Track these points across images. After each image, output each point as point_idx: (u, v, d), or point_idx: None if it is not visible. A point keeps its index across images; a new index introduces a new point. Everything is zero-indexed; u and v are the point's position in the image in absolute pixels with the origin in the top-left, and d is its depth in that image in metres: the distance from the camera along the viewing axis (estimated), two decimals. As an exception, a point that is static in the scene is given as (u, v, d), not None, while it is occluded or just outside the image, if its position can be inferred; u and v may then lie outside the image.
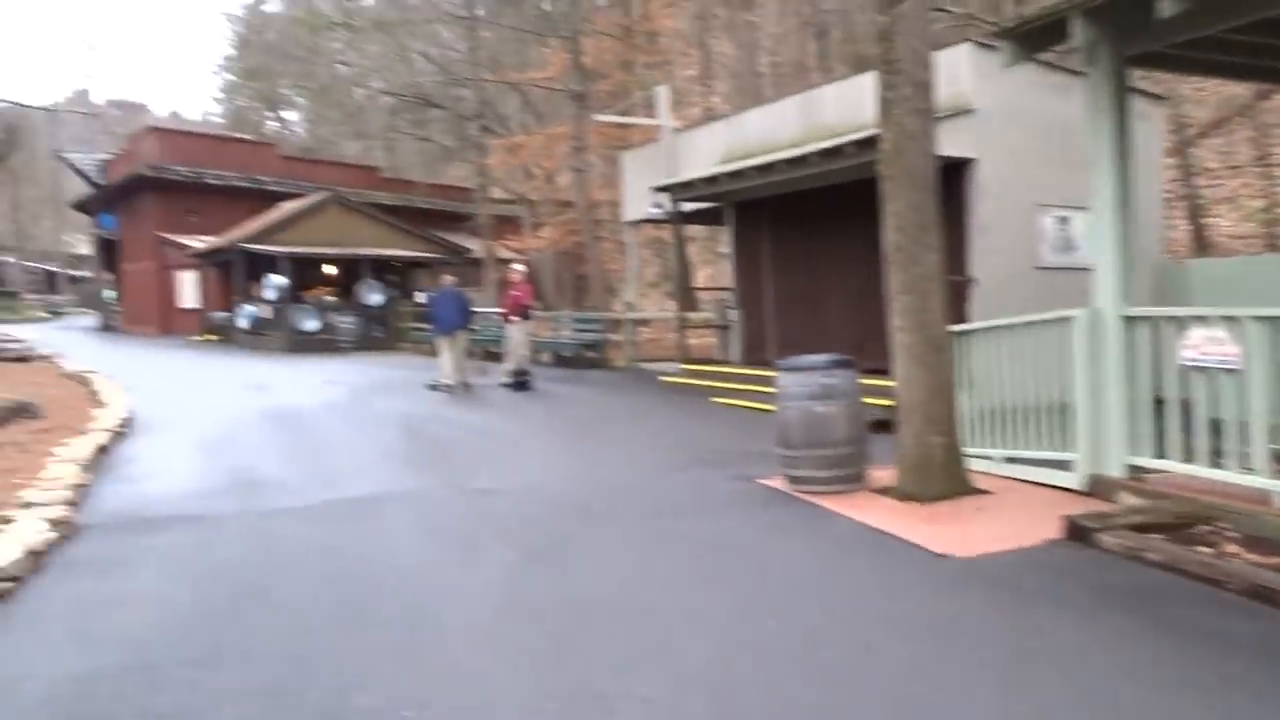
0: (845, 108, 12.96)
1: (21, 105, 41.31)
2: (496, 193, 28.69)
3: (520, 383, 14.53)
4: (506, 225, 29.28)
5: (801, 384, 7.30)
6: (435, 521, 6.81)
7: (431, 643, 4.52)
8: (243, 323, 25.46)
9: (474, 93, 25.78)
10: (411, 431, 10.95)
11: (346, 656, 4.39)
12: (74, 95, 62.65)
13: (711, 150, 15.43)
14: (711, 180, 13.62)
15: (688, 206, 15.36)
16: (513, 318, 15.19)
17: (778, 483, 7.60)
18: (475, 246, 28.81)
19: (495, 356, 19.08)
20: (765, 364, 14.31)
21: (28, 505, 6.89)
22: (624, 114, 19.37)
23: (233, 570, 5.77)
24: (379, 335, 24.71)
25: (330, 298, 25.18)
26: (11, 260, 64.15)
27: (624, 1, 23.69)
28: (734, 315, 15.53)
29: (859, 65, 22.40)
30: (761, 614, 4.77)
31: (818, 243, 13.78)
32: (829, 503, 6.97)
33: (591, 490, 7.79)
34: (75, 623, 4.94)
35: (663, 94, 17.32)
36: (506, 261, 26.73)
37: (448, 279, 15.94)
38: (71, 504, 7.12)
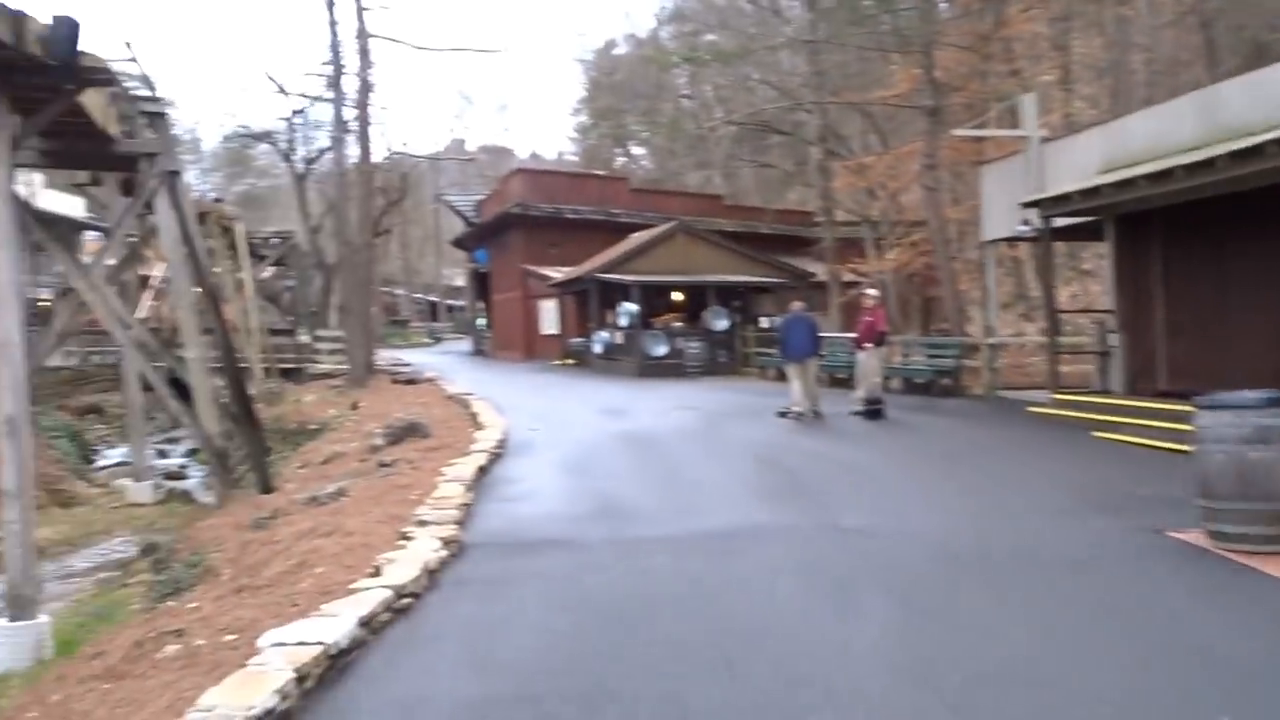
0: (1256, 103, 11.23)
1: (411, 155, 46.42)
2: (839, 215, 28.16)
3: (873, 411, 13.93)
4: (849, 248, 28.67)
5: (1231, 424, 6.21)
6: (804, 562, 6.48)
7: (815, 707, 4.16)
8: (597, 348, 26.77)
9: (817, 116, 25.49)
10: (767, 460, 10.74)
11: (725, 711, 4.15)
12: (452, 144, 69.63)
13: (1086, 160, 14.02)
14: (1092, 192, 12.31)
15: (1059, 222, 14.06)
16: (865, 344, 14.63)
17: (1195, 537, 6.54)
18: (818, 270, 28.45)
19: (842, 383, 18.58)
20: (1155, 394, 12.72)
21: (423, 523, 7.39)
22: (979, 127, 18.22)
23: (605, 600, 5.77)
24: (724, 360, 25.00)
25: (677, 323, 25.85)
26: (401, 293, 72.55)
27: (978, 10, 22.38)
28: (1114, 339, 13.98)
29: (1258, 55, 19.64)
30: (1210, 708, 3.97)
31: (1222, 258, 12.04)
32: (1271, 567, 5.86)
33: (971, 534, 7.12)
34: (467, 645, 5.10)
35: (1028, 103, 16.04)
36: (850, 285, 26.15)
37: (796, 304, 15.68)
38: (458, 523, 7.56)
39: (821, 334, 15.44)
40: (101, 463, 20.22)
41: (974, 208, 21.09)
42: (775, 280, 27.18)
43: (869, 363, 14.50)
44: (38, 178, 32.44)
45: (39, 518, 13.77)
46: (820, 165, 26.51)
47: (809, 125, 28.91)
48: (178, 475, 19.02)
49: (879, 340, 14.73)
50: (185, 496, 16.65)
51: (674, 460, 11.01)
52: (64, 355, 25.81)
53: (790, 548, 6.89)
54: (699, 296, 26.25)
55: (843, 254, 27.49)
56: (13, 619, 8.20)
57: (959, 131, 18.58)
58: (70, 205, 37.67)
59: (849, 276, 27.08)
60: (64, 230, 34.29)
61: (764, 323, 25.56)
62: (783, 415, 14.27)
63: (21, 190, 21.45)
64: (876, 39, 22.48)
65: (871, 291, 15.78)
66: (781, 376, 19.72)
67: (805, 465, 10.46)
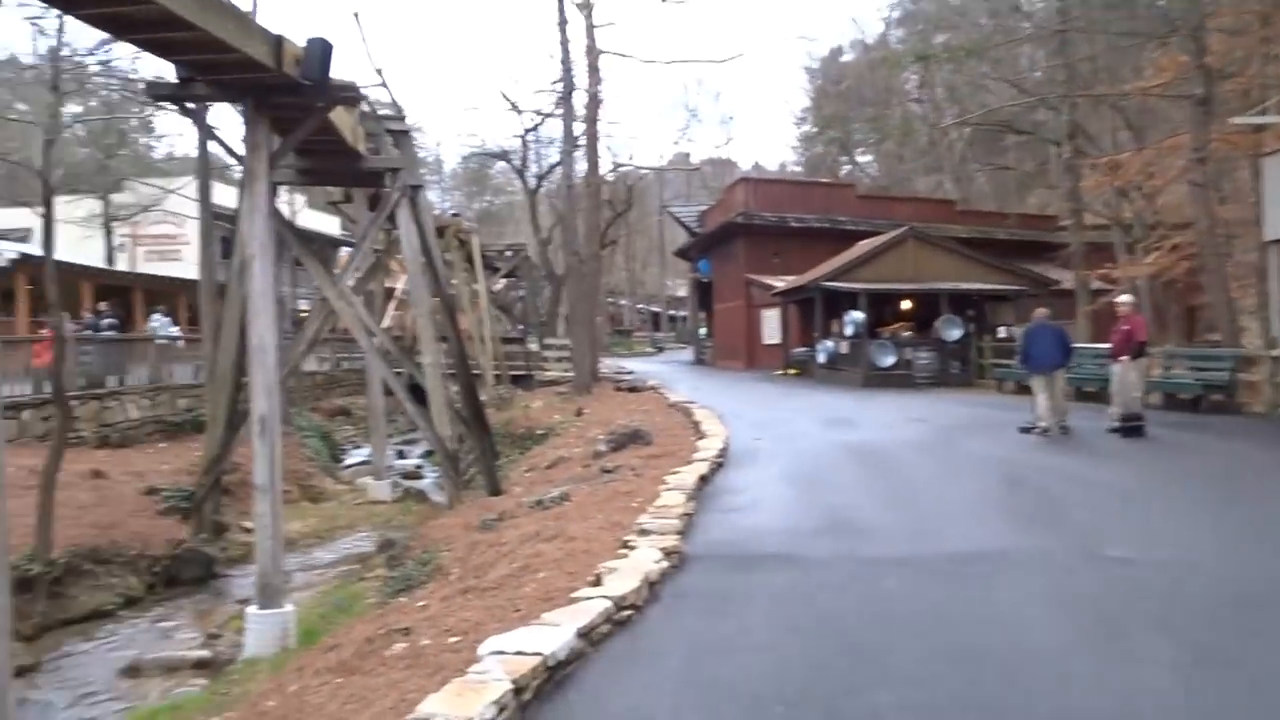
0: None
1: (637, 168, 47.34)
2: (1086, 218, 26.11)
3: (1133, 428, 12.62)
4: (1096, 253, 26.55)
5: None
6: (1064, 595, 5.76)
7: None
8: (820, 358, 26.04)
9: (1064, 112, 23.71)
10: (1011, 479, 9.87)
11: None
12: (676, 156, 70.47)
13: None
14: None
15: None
16: (1122, 355, 13.32)
17: None
18: (1061, 277, 26.53)
19: (1091, 398, 17.11)
20: None
21: (644, 532, 7.17)
22: (1259, 115, 16.26)
23: (839, 626, 5.31)
24: (956, 372, 23.66)
25: (906, 333, 24.74)
26: (625, 303, 74.11)
27: (1254, -15, 20.11)
28: None
29: None
30: None
31: None
32: None
33: (1265, 572, 6.14)
34: (689, 663, 4.80)
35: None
36: (1099, 293, 24.18)
37: (1041, 311, 14.51)
38: (680, 534, 7.29)
39: (1073, 344, 14.19)
40: (348, 461, 21.53)
41: (1250, 205, 18.96)
42: (1014, 288, 25.50)
43: (1127, 376, 13.17)
44: (299, 198, 35.29)
45: (292, 511, 14.75)
46: (1068, 165, 24.67)
47: (1050, 124, 27.04)
48: (414, 475, 19.95)
49: (1138, 351, 13.37)
50: (420, 496, 17.38)
51: (907, 475, 10.33)
52: (318, 360, 27.81)
53: (1044, 576, 6.18)
54: (930, 305, 24.99)
55: (1090, 259, 25.50)
56: (262, 607, 8.65)
57: (1237, 120, 16.65)
58: (327, 223, 40.82)
59: (1096, 283, 25.06)
60: (321, 246, 37.12)
61: (1002, 332, 24.07)
62: (1026, 431, 13.20)
63: (285, 209, 23.27)
64: (1135, 25, 20.63)
65: (1125, 298, 14.36)
66: (1021, 390, 18.39)
67: (1055, 485, 9.53)
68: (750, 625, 5.38)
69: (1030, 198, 42.30)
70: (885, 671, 4.59)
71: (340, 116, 13.20)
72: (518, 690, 4.19)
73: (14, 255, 21.02)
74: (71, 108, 34.66)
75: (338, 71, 10.67)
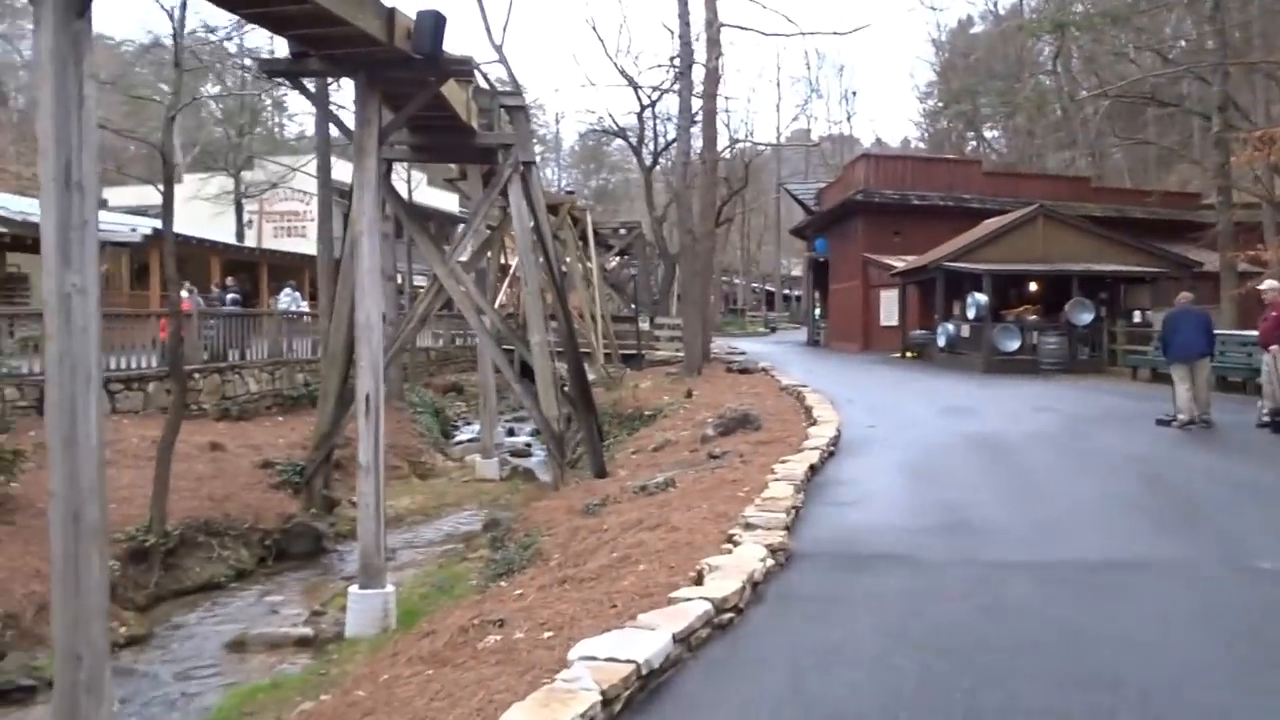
0: None
1: (756, 144, 46.61)
2: (1234, 196, 24.37)
3: (1284, 424, 11.68)
4: (1243, 233, 24.78)
5: None
6: (1212, 614, 5.20)
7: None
8: (940, 341, 25.11)
9: (1217, 82, 22.10)
10: (1147, 477, 9.16)
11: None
12: (795, 133, 69.11)
13: None
14: None
15: None
16: (1271, 345, 12.30)
17: None
18: (1205, 259, 24.88)
19: (1235, 389, 15.98)
20: None
21: (749, 526, 6.85)
22: None
23: (956, 640, 4.89)
24: (1085, 358, 22.46)
25: (1032, 316, 23.60)
26: (739, 281, 73.35)
27: None
28: None
29: None
30: None
31: None
32: None
33: None
34: (793, 676, 4.48)
35: None
36: (1247, 276, 22.58)
37: (1184, 296, 13.57)
38: (787, 529, 6.94)
39: (1216, 330, 13.20)
40: (458, 438, 21.76)
41: None
42: (1152, 270, 24.06)
43: (1278, 366, 12.16)
44: (419, 175, 35.82)
45: (401, 488, 14.91)
46: (1217, 139, 23.04)
47: (1196, 96, 25.28)
48: (523, 453, 20.02)
49: (1291, 339, 12.32)
50: (528, 474, 17.39)
51: (1032, 470, 9.72)
52: (432, 337, 28.22)
53: (1188, 590, 5.63)
54: (1059, 287, 23.76)
55: (1237, 240, 23.83)
56: (363, 587, 8.65)
57: None
58: (446, 200, 41.43)
59: (1244, 266, 23.39)
60: (439, 223, 37.73)
61: (1137, 317, 22.74)
62: (1164, 423, 12.36)
63: (403, 186, 23.59)
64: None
65: (1271, 283, 13.26)
66: (1157, 378, 17.34)
67: (1199, 485, 8.80)
68: (859, 635, 5.02)
69: (1171, 175, 39.96)
70: (1008, 698, 4.17)
71: (453, 91, 13.11)
72: (606, 702, 3.95)
73: (148, 230, 21.81)
74: (209, 88, 36.08)
75: (454, 47, 10.58)
